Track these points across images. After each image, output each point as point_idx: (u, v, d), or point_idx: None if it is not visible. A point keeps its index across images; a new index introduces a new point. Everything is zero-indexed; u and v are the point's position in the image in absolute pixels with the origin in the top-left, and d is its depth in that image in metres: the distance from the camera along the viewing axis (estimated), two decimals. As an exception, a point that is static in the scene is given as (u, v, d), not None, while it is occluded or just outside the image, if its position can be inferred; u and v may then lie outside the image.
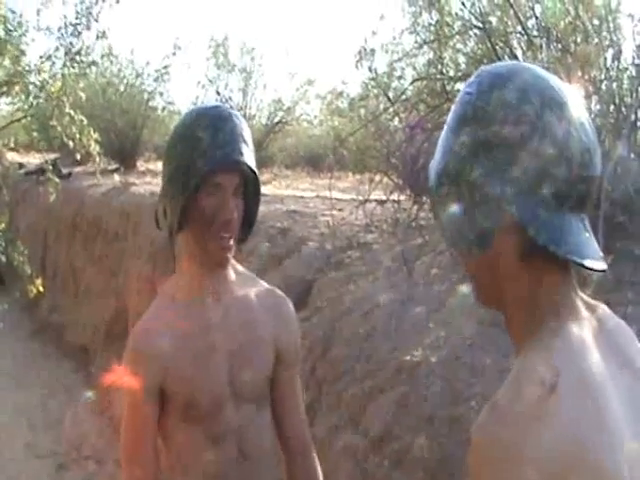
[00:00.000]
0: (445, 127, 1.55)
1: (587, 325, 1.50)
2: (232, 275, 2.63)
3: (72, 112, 8.86)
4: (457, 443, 3.67)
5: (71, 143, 9.00)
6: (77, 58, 9.46)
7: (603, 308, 1.60)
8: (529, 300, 1.49)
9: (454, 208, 1.50)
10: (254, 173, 2.47)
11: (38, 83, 9.09)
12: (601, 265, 1.44)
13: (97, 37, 9.81)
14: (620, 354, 1.54)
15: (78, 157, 9.75)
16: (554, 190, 1.41)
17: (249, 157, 2.42)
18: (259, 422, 2.67)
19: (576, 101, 1.47)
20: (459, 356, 4.25)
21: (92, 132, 9.05)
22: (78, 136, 8.90)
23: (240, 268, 2.70)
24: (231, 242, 2.47)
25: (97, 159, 9.35)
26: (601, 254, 1.47)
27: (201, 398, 2.52)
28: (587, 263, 1.42)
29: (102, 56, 13.99)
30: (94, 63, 10.67)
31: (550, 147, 1.40)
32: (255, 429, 2.64)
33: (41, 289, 9.39)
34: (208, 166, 2.36)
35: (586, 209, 1.47)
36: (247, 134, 2.45)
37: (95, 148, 9.14)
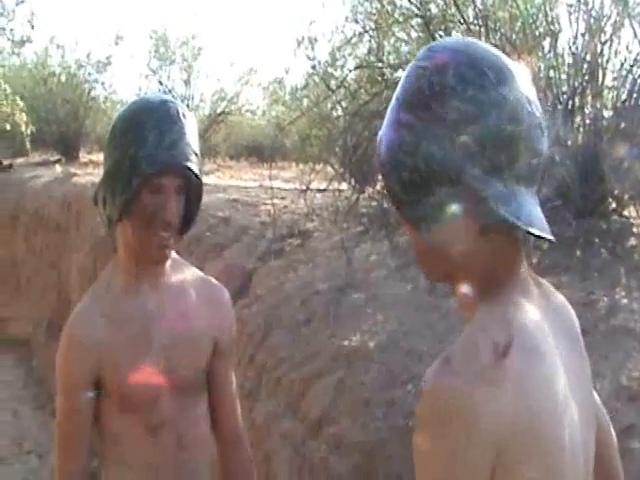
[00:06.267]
0: (395, 100, 1.53)
1: (536, 299, 1.53)
2: (168, 263, 2.60)
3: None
4: (394, 426, 3.69)
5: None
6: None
7: (547, 285, 1.65)
8: (482, 272, 1.51)
9: (410, 179, 1.49)
10: (198, 177, 2.45)
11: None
12: (545, 234, 1.46)
13: (29, 21, 9.70)
14: (563, 328, 1.59)
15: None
16: (508, 163, 1.42)
17: (194, 160, 2.39)
18: (195, 412, 2.66)
19: (525, 78, 1.48)
20: (396, 341, 4.27)
21: (18, 101, 8.85)
22: (4, 106, 8.70)
23: (175, 256, 2.67)
24: (171, 240, 2.45)
25: (23, 128, 9.16)
26: (546, 225, 1.48)
27: (137, 388, 2.49)
28: (531, 229, 1.43)
29: (23, 40, 13.78)
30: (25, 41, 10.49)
31: (504, 121, 1.41)
32: (192, 419, 2.64)
33: None
34: (152, 168, 2.33)
35: (537, 183, 1.49)
36: (193, 134, 2.43)
37: (22, 117, 8.95)
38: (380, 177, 1.52)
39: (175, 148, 2.35)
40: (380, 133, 1.56)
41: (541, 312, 1.51)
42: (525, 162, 1.44)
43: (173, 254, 2.63)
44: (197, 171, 2.41)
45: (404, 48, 7.07)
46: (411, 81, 1.50)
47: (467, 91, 1.42)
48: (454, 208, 1.46)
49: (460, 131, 1.42)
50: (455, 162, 1.42)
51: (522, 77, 1.47)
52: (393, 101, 1.54)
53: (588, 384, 1.66)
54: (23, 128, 9.15)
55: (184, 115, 2.41)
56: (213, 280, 2.79)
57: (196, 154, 2.42)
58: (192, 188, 2.49)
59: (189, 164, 2.37)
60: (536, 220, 1.46)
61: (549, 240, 1.47)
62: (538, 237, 1.46)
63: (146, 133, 2.34)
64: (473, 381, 1.34)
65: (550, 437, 1.39)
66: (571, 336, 1.62)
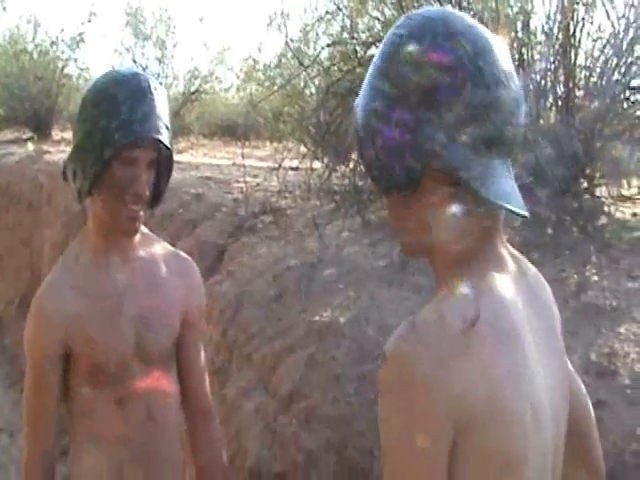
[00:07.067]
0: (372, 67, 1.53)
1: (510, 272, 1.54)
2: (137, 237, 2.60)
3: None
4: (364, 401, 3.70)
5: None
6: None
7: (524, 259, 1.66)
8: (453, 245, 1.51)
9: (383, 147, 1.49)
10: (169, 150, 2.46)
11: None
12: (524, 211, 1.47)
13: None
14: (537, 302, 1.60)
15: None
16: (484, 135, 1.43)
17: (165, 133, 2.39)
18: (165, 384, 2.67)
19: (504, 51, 1.48)
20: (368, 316, 4.27)
21: None
22: None
23: (145, 230, 2.67)
24: (141, 212, 2.45)
25: None
26: (522, 201, 1.50)
27: (107, 361, 2.49)
28: (510, 207, 1.45)
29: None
30: None
31: (482, 93, 1.41)
32: (161, 391, 2.65)
33: None
34: (125, 140, 2.32)
35: (511, 155, 1.51)
36: (164, 107, 2.42)
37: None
38: (356, 145, 1.54)
39: (147, 120, 2.34)
40: (357, 100, 1.57)
41: (515, 287, 1.52)
42: (499, 133, 1.44)
43: (143, 228, 2.63)
44: (168, 144, 2.41)
45: (377, 26, 7.04)
46: (388, 48, 1.51)
47: (442, 61, 1.42)
48: (423, 176, 1.47)
49: (434, 103, 1.42)
50: (428, 132, 1.43)
51: (501, 51, 1.47)
52: (370, 67, 1.54)
53: (560, 359, 1.67)
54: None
55: (155, 88, 2.40)
56: (182, 253, 2.81)
57: (167, 127, 2.41)
58: (162, 162, 2.49)
59: (161, 137, 2.37)
60: (510, 196, 1.47)
61: (522, 216, 1.48)
62: (512, 212, 1.47)
63: (118, 105, 2.33)
64: (438, 348, 1.36)
65: (511, 409, 1.40)
66: (545, 311, 1.64)
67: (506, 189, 1.46)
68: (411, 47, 1.45)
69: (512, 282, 1.53)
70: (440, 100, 1.42)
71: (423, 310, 1.43)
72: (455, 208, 1.47)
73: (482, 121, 1.42)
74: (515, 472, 1.43)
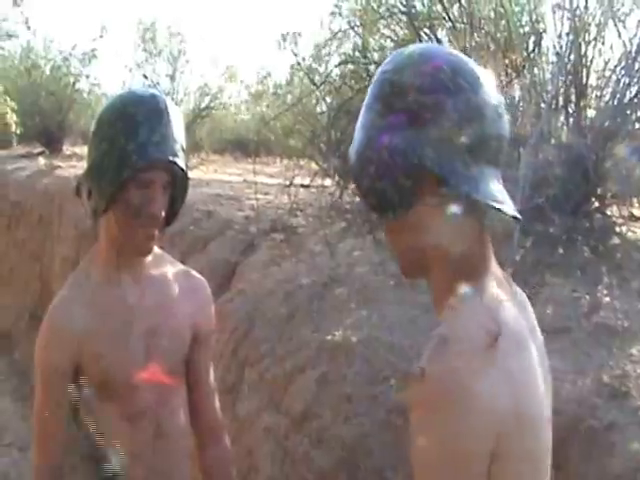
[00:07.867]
0: (363, 108, 1.61)
1: (505, 290, 1.60)
2: (149, 256, 2.61)
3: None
4: (376, 421, 3.70)
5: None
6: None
7: (510, 279, 1.70)
8: (453, 260, 1.55)
9: (377, 174, 1.55)
10: (185, 172, 2.47)
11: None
12: (515, 213, 1.54)
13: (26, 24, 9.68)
14: (527, 319, 1.66)
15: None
16: (470, 146, 1.49)
17: (181, 156, 2.40)
18: (175, 401, 2.69)
19: (484, 74, 1.56)
20: (379, 336, 4.27)
21: (8, 100, 8.83)
22: None
23: (156, 249, 2.66)
24: (155, 232, 2.46)
25: (13, 127, 9.13)
26: (513, 204, 1.56)
27: (117, 377, 2.50)
28: (504, 208, 1.51)
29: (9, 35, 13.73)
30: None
31: (465, 108, 1.49)
32: (171, 408, 2.66)
33: None
34: (142, 162, 2.33)
35: (499, 164, 1.56)
36: (180, 128, 2.43)
37: (12, 117, 8.92)
38: (353, 180, 1.64)
39: (164, 143, 2.36)
40: (352, 145, 1.64)
41: (511, 303, 1.58)
42: (484, 144, 1.51)
43: (155, 248, 2.63)
44: (184, 165, 2.43)
45: (389, 45, 7.07)
46: (375, 85, 1.60)
47: (424, 84, 1.50)
48: (416, 194, 1.53)
49: (420, 123, 1.50)
50: (415, 149, 1.49)
51: (482, 73, 1.55)
52: (362, 108, 1.62)
53: (548, 377, 1.72)
54: (13, 128, 9.16)
55: (172, 109, 2.42)
56: (194, 272, 2.82)
57: (183, 149, 2.43)
58: (177, 183, 2.50)
59: (177, 160, 2.39)
60: (499, 196, 1.53)
61: (514, 217, 1.55)
62: (505, 213, 1.53)
63: (136, 126, 2.34)
64: (472, 363, 1.40)
65: (530, 415, 1.47)
66: (534, 331, 1.68)
67: (496, 192, 1.52)
68: (396, 79, 1.54)
69: (509, 298, 1.58)
70: (426, 120, 1.49)
71: (446, 329, 1.46)
72: (450, 222, 1.53)
73: (466, 133, 1.49)
74: (535, 473, 1.52)
